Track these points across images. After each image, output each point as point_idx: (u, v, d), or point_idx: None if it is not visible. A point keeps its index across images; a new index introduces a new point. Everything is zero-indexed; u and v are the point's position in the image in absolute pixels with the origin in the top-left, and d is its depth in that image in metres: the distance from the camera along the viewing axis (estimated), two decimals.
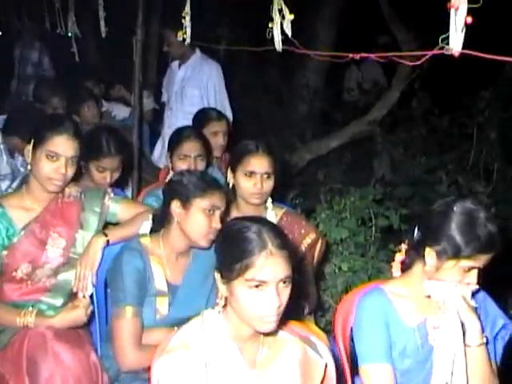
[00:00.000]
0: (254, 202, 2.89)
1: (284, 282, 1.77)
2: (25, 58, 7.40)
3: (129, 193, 4.09)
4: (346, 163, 6.68)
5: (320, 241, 3.07)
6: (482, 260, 1.99)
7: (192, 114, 4.07)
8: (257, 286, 1.74)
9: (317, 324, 3.25)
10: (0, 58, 7.33)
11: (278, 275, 1.75)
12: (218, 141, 3.78)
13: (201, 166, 3.31)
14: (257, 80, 8.57)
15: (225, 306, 1.87)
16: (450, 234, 2.00)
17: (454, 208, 2.03)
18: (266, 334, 1.89)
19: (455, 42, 1.97)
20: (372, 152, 6.45)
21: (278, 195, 3.25)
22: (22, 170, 4.04)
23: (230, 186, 2.95)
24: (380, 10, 6.40)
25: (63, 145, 2.54)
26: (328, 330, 3.36)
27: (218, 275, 1.86)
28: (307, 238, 2.99)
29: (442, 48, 1.97)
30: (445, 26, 1.89)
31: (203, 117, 3.90)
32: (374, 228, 4.27)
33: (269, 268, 1.74)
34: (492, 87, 6.16)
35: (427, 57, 2.15)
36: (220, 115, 3.93)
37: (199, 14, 3.81)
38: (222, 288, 1.84)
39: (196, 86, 4.73)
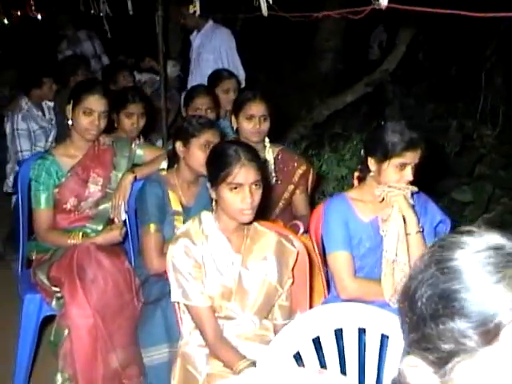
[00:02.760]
0: (253, 140, 3.48)
1: (255, 185, 2.42)
2: (80, 53, 7.23)
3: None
4: (363, 114, 7.23)
5: (311, 171, 3.70)
6: (408, 157, 2.59)
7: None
8: (235, 188, 2.40)
9: None
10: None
11: (250, 179, 2.40)
12: (230, 96, 4.42)
13: (211, 116, 3.96)
14: (281, 45, 9.14)
15: (216, 208, 2.54)
16: (380, 140, 2.62)
17: (382, 123, 2.67)
18: (248, 226, 2.55)
19: None
20: (385, 102, 6.99)
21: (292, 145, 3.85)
22: None
23: (235, 129, 3.60)
24: None
25: (96, 102, 3.24)
26: None
27: (209, 184, 2.52)
28: (299, 170, 3.60)
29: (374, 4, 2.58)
30: None
31: (216, 76, 4.58)
32: None
33: (242, 174, 2.39)
34: (497, 36, 6.55)
35: (367, 11, 2.75)
36: (230, 74, 4.60)
37: None
38: (212, 193, 2.50)
39: (210, 52, 5.40)
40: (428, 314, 0.94)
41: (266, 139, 3.58)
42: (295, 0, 3.72)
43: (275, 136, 4.74)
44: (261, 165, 2.49)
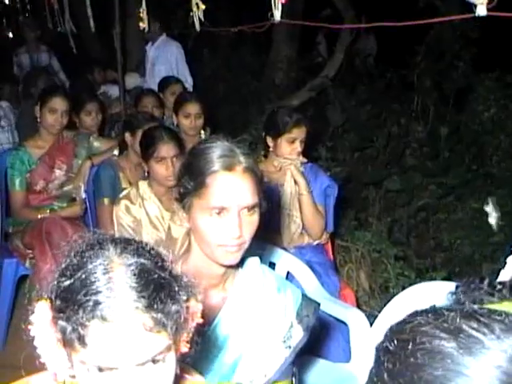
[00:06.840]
0: (190, 133, 4.25)
1: (176, 157, 3.20)
2: (36, 61, 7.54)
3: None
4: (308, 116, 7.95)
5: None
6: (296, 133, 3.36)
7: None
8: (160, 161, 3.18)
9: None
10: None
11: (170, 153, 3.19)
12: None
13: (156, 113, 4.73)
14: (236, 58, 9.90)
15: (149, 177, 3.32)
16: (274, 121, 3.40)
17: (275, 109, 3.46)
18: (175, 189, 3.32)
19: (277, 15, 3.36)
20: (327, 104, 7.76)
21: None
22: None
23: (175, 124, 4.36)
24: None
25: (59, 102, 4.01)
26: None
27: (143, 161, 3.30)
28: None
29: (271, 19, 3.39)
30: None
31: (164, 82, 5.38)
32: None
33: (164, 150, 3.18)
34: (425, 43, 7.38)
35: (267, 26, 3.56)
36: (177, 80, 5.39)
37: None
38: (145, 166, 3.29)
39: (162, 63, 6.22)
40: None
41: (202, 132, 4.33)
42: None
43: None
44: (179, 142, 3.28)
